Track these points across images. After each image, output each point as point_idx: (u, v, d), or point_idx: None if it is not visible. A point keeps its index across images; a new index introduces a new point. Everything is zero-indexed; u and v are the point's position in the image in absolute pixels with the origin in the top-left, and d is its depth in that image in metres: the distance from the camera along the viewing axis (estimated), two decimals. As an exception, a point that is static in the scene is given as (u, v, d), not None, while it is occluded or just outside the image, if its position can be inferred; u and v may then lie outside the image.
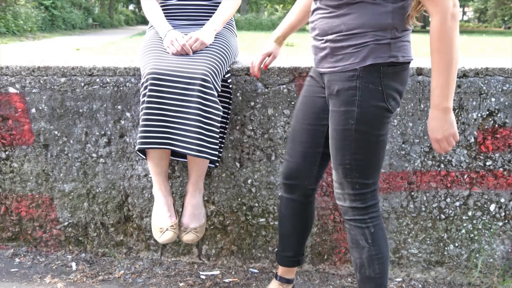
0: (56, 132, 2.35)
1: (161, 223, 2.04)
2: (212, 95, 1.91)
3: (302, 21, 1.96)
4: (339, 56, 1.55)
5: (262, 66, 2.09)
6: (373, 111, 1.55)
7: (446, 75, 1.45)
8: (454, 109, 2.17)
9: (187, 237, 2.07)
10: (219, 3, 2.24)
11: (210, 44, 2.10)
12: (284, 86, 2.20)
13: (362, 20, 1.50)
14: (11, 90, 2.32)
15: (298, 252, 2.00)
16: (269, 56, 2.08)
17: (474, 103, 2.17)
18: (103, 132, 2.33)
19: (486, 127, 2.18)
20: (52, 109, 2.32)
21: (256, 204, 2.34)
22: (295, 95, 2.21)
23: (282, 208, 1.95)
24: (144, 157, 2.03)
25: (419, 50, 14.90)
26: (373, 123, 1.57)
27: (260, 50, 2.09)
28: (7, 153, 2.39)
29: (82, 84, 2.29)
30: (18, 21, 20.30)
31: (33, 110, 2.33)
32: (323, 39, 1.58)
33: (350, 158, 1.60)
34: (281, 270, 2.05)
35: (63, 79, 2.30)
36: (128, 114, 2.30)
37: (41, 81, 2.31)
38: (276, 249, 2.06)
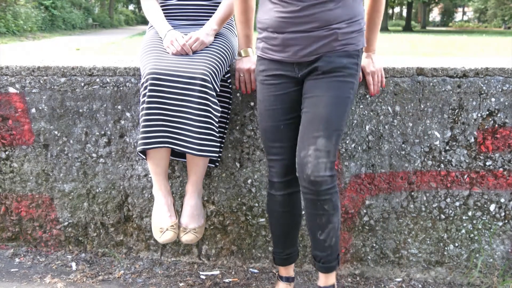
0: (56, 132, 2.35)
1: (161, 223, 2.04)
2: (212, 95, 1.91)
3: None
4: (344, 40, 1.79)
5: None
6: (358, 84, 1.90)
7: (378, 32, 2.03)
8: (454, 109, 2.17)
9: (187, 238, 2.07)
10: (219, 3, 2.24)
11: (210, 44, 2.10)
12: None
13: (357, 9, 1.81)
14: (11, 90, 2.32)
15: (297, 243, 2.05)
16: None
17: (474, 103, 2.17)
18: (103, 132, 2.33)
19: (486, 127, 2.18)
20: (52, 109, 2.32)
21: (256, 204, 2.34)
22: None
23: (279, 207, 1.96)
24: (144, 157, 2.03)
25: (419, 50, 14.92)
26: (355, 93, 1.90)
27: (242, 66, 2.13)
28: (7, 153, 2.39)
29: (82, 84, 2.29)
30: (18, 21, 20.31)
31: (33, 110, 2.33)
32: (327, 28, 1.76)
33: (344, 124, 1.81)
34: (285, 270, 2.07)
35: (63, 79, 2.30)
36: (128, 114, 2.30)
37: (41, 81, 2.31)
38: (274, 252, 2.06)
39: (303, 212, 2.05)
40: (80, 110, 2.32)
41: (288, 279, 2.08)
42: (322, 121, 1.76)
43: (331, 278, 1.95)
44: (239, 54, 2.16)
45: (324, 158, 1.74)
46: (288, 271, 2.08)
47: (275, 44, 1.83)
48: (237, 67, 2.14)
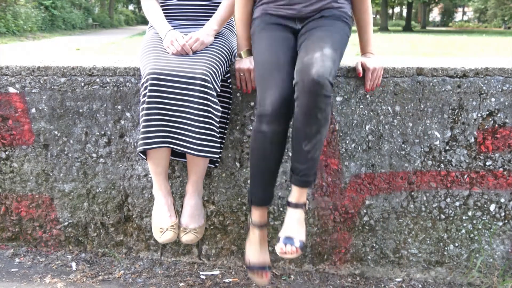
0: (56, 132, 2.35)
1: (161, 223, 2.04)
2: (212, 95, 1.91)
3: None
4: (341, 3, 2.11)
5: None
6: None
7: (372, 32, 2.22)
8: (454, 109, 2.17)
9: (187, 238, 2.07)
10: (219, 3, 2.24)
11: (210, 44, 2.10)
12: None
13: None
14: (11, 90, 2.32)
15: (275, 183, 2.06)
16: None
17: (474, 103, 2.17)
18: (103, 132, 2.33)
19: (486, 127, 2.18)
20: (52, 109, 2.32)
21: (256, 204, 2.34)
22: (295, 95, 2.21)
23: (268, 144, 1.90)
24: (144, 157, 2.03)
25: (419, 50, 14.91)
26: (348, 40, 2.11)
27: (242, 66, 2.14)
28: (7, 153, 2.39)
29: (82, 84, 2.29)
30: (18, 21, 20.31)
31: (33, 110, 2.33)
32: None
33: (342, 52, 2.02)
34: (259, 214, 2.03)
35: (63, 79, 2.30)
36: (128, 114, 2.31)
37: (41, 81, 2.31)
38: (252, 192, 2.02)
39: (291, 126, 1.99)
40: (80, 110, 2.32)
41: (263, 226, 2.04)
42: (326, 38, 1.92)
43: (304, 195, 1.95)
44: (239, 56, 2.18)
45: (329, 62, 1.81)
46: (263, 214, 2.04)
47: (282, 4, 2.07)
48: (237, 67, 2.15)
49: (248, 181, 2.32)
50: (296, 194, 1.93)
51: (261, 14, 2.12)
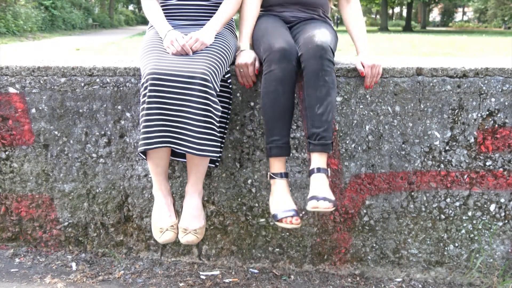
0: (56, 132, 2.35)
1: (161, 223, 2.04)
2: (212, 95, 1.91)
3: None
4: (323, 16, 2.43)
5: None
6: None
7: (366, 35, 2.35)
8: (454, 109, 2.17)
9: (187, 239, 2.07)
10: (220, 3, 2.24)
11: (210, 44, 2.10)
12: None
13: None
14: (11, 90, 2.32)
15: (290, 133, 2.11)
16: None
17: (474, 103, 2.17)
18: (103, 132, 2.33)
19: (486, 127, 2.18)
20: (52, 109, 2.32)
21: (256, 204, 2.34)
22: (294, 95, 2.21)
23: (278, 84, 2.02)
24: (144, 157, 2.03)
25: (419, 50, 14.92)
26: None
27: (240, 61, 2.16)
28: (7, 153, 2.39)
29: (82, 84, 2.29)
30: (18, 21, 20.31)
31: (33, 110, 2.33)
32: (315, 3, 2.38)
33: (336, 45, 2.20)
34: (279, 164, 2.07)
35: (63, 79, 2.30)
36: (128, 114, 2.31)
37: (41, 81, 2.31)
38: (269, 141, 2.06)
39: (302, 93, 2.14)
40: (80, 110, 2.32)
41: (285, 175, 2.08)
42: (321, 27, 2.16)
43: (324, 161, 2.01)
44: (238, 49, 2.24)
45: (329, 37, 2.06)
46: (282, 164, 2.08)
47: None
48: (236, 63, 2.17)
49: (249, 181, 2.32)
50: (317, 159, 1.99)
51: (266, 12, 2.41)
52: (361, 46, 2.28)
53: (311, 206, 1.90)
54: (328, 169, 2.01)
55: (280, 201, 2.02)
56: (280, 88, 2.02)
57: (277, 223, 2.01)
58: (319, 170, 1.98)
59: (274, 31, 2.16)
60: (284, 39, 2.07)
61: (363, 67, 2.14)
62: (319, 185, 1.95)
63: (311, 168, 2.00)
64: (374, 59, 2.15)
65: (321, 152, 1.99)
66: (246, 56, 2.16)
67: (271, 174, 2.08)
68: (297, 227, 2.00)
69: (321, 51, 1.98)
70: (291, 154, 2.21)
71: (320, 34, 2.05)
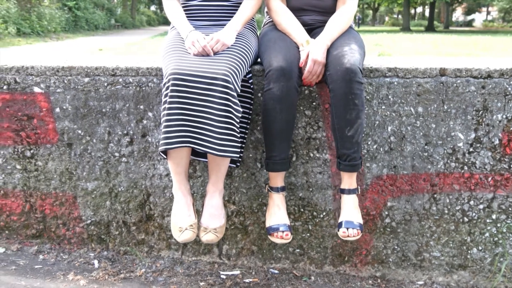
0: (79, 131, 2.38)
1: (180, 222, 2.05)
2: (233, 95, 1.92)
3: None
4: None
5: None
6: None
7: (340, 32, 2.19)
8: (478, 110, 2.14)
9: (207, 237, 2.08)
10: (240, 3, 2.24)
11: (232, 45, 2.10)
12: (306, 87, 2.20)
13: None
14: (36, 89, 2.36)
15: (290, 148, 2.17)
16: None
17: (499, 104, 2.13)
18: (125, 132, 2.36)
19: (511, 129, 2.14)
20: (76, 109, 2.36)
21: (277, 205, 2.33)
22: (316, 95, 2.20)
23: (277, 103, 2.00)
24: (165, 156, 2.05)
25: (442, 50, 14.72)
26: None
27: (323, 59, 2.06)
28: (32, 151, 2.44)
29: (105, 84, 2.32)
30: (42, 22, 20.67)
31: (57, 110, 2.37)
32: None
33: (357, 39, 2.20)
34: (277, 179, 2.14)
35: (86, 79, 2.33)
36: (150, 114, 2.33)
37: (65, 81, 2.34)
38: (268, 157, 2.10)
39: (332, 110, 2.02)
40: (103, 110, 2.34)
41: (282, 189, 2.15)
42: (348, 39, 2.12)
43: (354, 181, 2.09)
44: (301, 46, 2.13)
45: (358, 55, 2.00)
46: (281, 179, 2.15)
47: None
48: (312, 58, 2.03)
49: (269, 181, 2.32)
50: (347, 180, 2.08)
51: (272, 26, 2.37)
52: (323, 35, 2.11)
53: (341, 235, 2.04)
54: (358, 187, 2.10)
55: (274, 215, 2.13)
56: (278, 106, 2.01)
57: (269, 236, 2.13)
58: (349, 191, 2.08)
59: (275, 46, 2.12)
60: (284, 56, 2.02)
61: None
62: (349, 207, 2.07)
63: (341, 187, 2.10)
64: (320, 55, 2.03)
65: (351, 172, 2.06)
66: (321, 54, 2.05)
67: (269, 188, 2.17)
68: (287, 242, 2.13)
69: (351, 74, 1.93)
70: (312, 154, 2.25)
71: (349, 52, 1.99)
